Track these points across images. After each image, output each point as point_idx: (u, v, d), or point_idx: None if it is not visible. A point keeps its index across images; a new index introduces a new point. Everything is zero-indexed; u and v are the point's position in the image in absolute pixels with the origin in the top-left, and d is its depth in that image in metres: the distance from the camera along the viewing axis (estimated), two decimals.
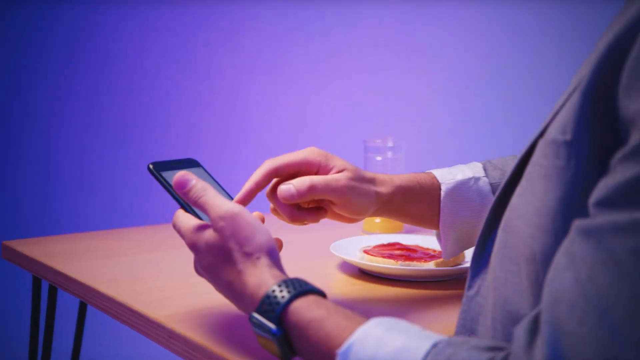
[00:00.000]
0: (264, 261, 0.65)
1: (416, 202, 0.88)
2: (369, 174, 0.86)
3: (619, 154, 0.47)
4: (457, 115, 2.22)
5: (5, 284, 2.80)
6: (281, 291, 0.62)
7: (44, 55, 3.05)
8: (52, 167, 3.08)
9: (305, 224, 0.85)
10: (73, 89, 3.05)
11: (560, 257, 0.48)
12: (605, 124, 0.50)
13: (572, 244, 0.47)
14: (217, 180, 0.82)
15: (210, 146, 2.82)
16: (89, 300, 0.94)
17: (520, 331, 0.49)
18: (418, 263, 0.98)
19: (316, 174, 0.82)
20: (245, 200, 0.79)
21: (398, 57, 2.35)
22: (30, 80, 3.07)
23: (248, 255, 0.65)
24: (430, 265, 0.98)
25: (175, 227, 0.73)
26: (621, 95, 0.48)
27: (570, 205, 0.52)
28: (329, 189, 0.81)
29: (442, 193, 0.89)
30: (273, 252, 0.67)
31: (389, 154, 1.31)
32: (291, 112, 2.64)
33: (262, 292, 0.63)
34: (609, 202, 0.46)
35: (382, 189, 0.85)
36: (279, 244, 0.78)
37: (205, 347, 0.72)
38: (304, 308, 0.61)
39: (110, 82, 3.02)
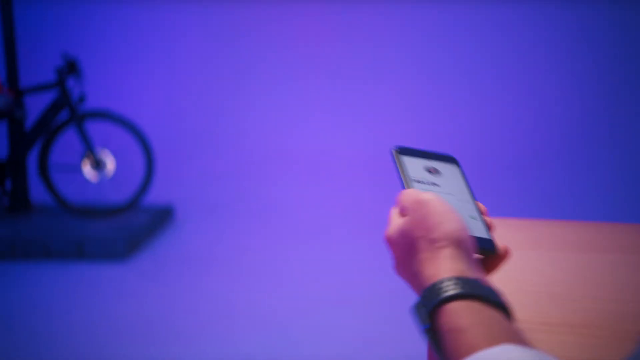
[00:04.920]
0: (447, 252, 0.61)
1: None
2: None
3: None
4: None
5: None
6: (444, 288, 0.57)
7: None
8: None
9: None
10: None
11: None
12: None
13: None
14: (471, 186, 0.74)
15: None
16: None
17: None
18: None
19: None
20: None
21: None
22: None
23: (432, 242, 0.62)
24: None
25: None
26: None
27: None
28: None
29: None
30: (463, 243, 0.62)
31: None
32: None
33: (430, 283, 0.59)
34: None
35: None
36: (503, 251, 0.67)
37: None
38: (453, 313, 0.56)
39: None
